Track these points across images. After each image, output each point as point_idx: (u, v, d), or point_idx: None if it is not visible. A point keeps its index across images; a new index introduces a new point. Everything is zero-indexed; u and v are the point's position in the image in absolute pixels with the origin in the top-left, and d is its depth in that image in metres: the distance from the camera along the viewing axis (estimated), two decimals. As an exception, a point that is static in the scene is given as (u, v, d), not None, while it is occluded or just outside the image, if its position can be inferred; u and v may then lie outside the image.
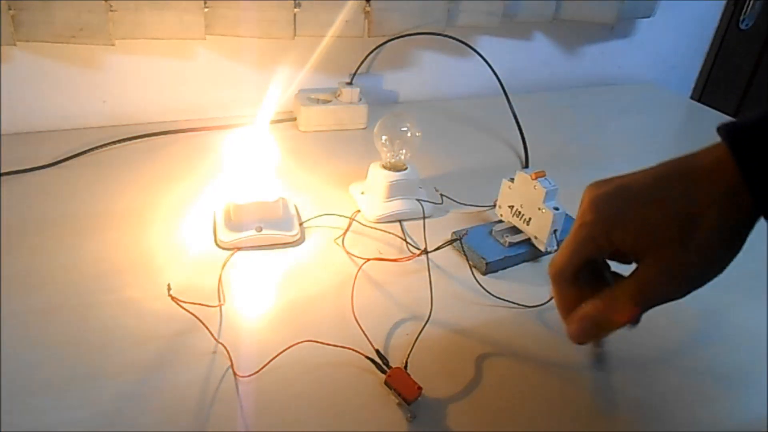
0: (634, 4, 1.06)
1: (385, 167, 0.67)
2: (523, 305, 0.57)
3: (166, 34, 0.76)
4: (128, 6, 0.73)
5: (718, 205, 0.37)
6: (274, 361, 0.47)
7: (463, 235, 0.60)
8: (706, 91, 1.33)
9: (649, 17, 1.11)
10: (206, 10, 0.76)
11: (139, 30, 0.75)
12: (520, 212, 0.63)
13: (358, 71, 0.92)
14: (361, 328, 0.51)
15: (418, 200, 0.68)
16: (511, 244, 0.62)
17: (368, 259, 0.60)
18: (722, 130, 0.38)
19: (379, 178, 0.67)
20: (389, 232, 0.66)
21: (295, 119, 0.89)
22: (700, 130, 1.04)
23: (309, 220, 0.65)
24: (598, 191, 0.41)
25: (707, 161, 0.39)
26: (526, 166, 0.84)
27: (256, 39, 0.83)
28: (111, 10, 0.72)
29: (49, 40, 0.72)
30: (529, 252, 0.62)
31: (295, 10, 0.80)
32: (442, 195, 0.70)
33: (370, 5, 0.84)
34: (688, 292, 0.40)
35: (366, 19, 0.86)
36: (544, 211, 0.59)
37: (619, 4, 1.03)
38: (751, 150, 0.36)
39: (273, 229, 0.61)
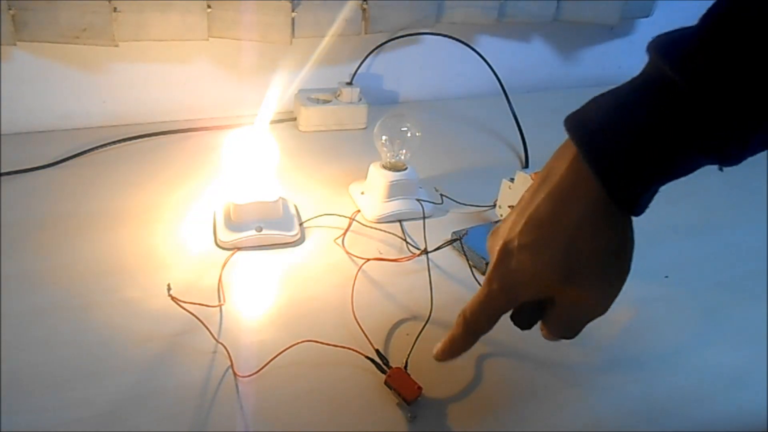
0: (632, 4, 1.07)
1: (385, 167, 0.67)
2: (523, 305, 0.57)
3: (169, 35, 0.76)
4: (132, 8, 0.73)
5: (588, 214, 0.37)
6: (274, 361, 0.47)
7: (463, 235, 0.60)
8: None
9: (647, 17, 1.11)
10: (209, 10, 0.76)
11: (142, 31, 0.75)
12: (520, 212, 0.63)
13: (358, 71, 0.92)
14: (361, 328, 0.51)
15: (418, 200, 0.68)
16: (511, 244, 0.62)
17: (368, 259, 0.60)
18: (572, 132, 0.39)
19: (379, 178, 0.67)
20: (389, 232, 0.66)
21: (295, 119, 0.89)
22: (700, 130, 1.04)
23: (309, 220, 0.65)
24: (496, 257, 0.41)
25: (568, 179, 0.38)
26: (526, 166, 0.84)
27: (256, 38, 0.83)
28: (115, 11, 0.72)
29: (53, 41, 0.72)
30: (529, 252, 0.62)
31: (293, 14, 0.80)
32: (442, 195, 0.70)
33: (366, 3, 0.84)
34: (605, 310, 0.41)
35: (363, 16, 0.86)
36: (544, 211, 0.59)
37: (620, 5, 1.03)
38: (601, 151, 0.36)
39: (273, 229, 0.61)
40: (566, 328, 0.42)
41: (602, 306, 0.41)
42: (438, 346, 0.45)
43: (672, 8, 1.14)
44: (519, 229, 0.40)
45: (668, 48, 0.34)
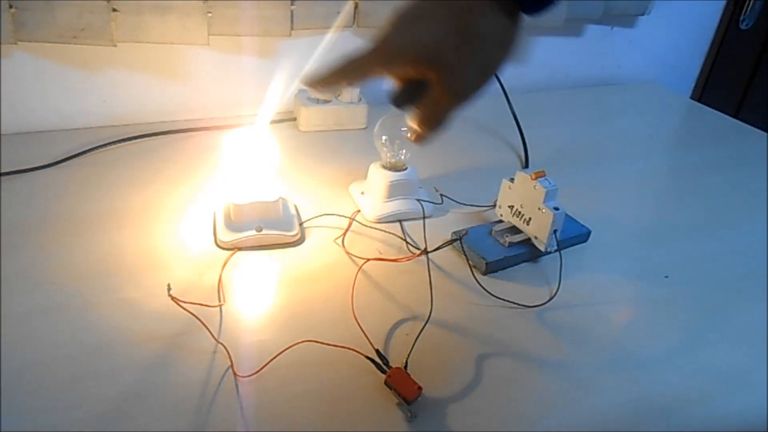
0: (630, 3, 1.07)
1: (385, 167, 0.67)
2: (523, 305, 0.57)
3: (168, 38, 0.76)
4: (130, 9, 0.73)
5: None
6: (274, 361, 0.47)
7: (463, 235, 0.60)
8: (706, 91, 1.33)
9: (643, 14, 1.11)
10: (209, 14, 0.76)
11: (141, 34, 0.75)
12: (520, 212, 0.63)
13: (358, 71, 0.92)
14: (361, 328, 0.51)
15: (418, 200, 0.68)
16: (511, 244, 0.62)
17: (368, 259, 0.60)
18: None
19: (379, 178, 0.67)
20: (389, 232, 0.66)
21: (295, 119, 0.89)
22: (700, 130, 1.04)
23: (309, 220, 0.65)
24: (387, 26, 0.44)
25: None
26: (526, 166, 0.84)
27: (256, 38, 0.83)
28: (113, 10, 0.72)
29: (51, 41, 0.72)
30: (529, 252, 0.62)
31: (292, 7, 0.80)
32: (442, 195, 0.70)
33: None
34: (475, 95, 0.44)
35: (355, 10, 0.86)
36: (544, 211, 0.59)
37: (615, 4, 1.03)
38: None
39: (273, 229, 0.61)
40: (434, 111, 0.45)
41: (470, 91, 0.44)
42: (309, 74, 0.48)
43: (672, 8, 1.14)
44: (413, 2, 0.43)
45: None
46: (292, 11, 0.81)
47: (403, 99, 0.48)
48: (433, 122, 0.47)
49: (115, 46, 0.74)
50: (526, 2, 0.41)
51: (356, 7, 0.86)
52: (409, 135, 0.50)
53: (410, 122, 0.48)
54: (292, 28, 0.82)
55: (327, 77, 0.48)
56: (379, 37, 0.45)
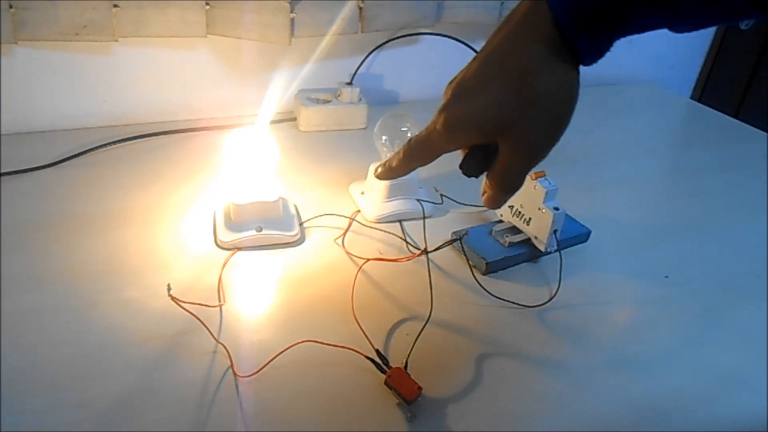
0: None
1: (385, 167, 0.67)
2: (523, 305, 0.57)
3: (168, 32, 0.76)
4: (130, 4, 0.73)
5: (541, 54, 0.39)
6: (274, 361, 0.47)
7: (463, 235, 0.60)
8: (706, 91, 1.33)
9: None
10: (207, 8, 0.77)
11: (142, 28, 0.75)
12: (520, 212, 0.63)
13: (358, 71, 0.92)
14: (361, 328, 0.51)
15: (418, 200, 0.68)
16: (511, 244, 0.62)
17: (368, 259, 0.60)
18: None
19: (379, 178, 0.67)
20: (389, 232, 0.66)
21: (295, 119, 0.89)
22: (700, 130, 1.04)
23: (309, 220, 0.65)
24: (448, 94, 0.44)
25: (524, 20, 0.40)
26: (526, 166, 0.84)
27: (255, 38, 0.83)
28: (115, 6, 0.72)
29: (53, 39, 0.72)
30: (529, 252, 0.62)
31: (292, 15, 0.80)
32: (442, 195, 0.70)
33: (363, 2, 0.85)
34: (546, 153, 0.43)
35: (360, 15, 0.86)
36: (544, 211, 0.60)
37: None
38: None
39: (273, 229, 0.61)
40: (507, 175, 0.44)
41: (540, 152, 0.42)
42: (379, 166, 0.51)
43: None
44: (473, 68, 0.42)
45: None
46: (292, 19, 0.80)
47: (473, 167, 0.46)
48: (508, 184, 0.45)
49: (116, 41, 0.74)
50: (584, 55, 0.39)
51: (361, 11, 0.86)
52: (483, 198, 0.48)
53: (485, 185, 0.47)
54: (292, 36, 0.81)
55: (397, 165, 0.49)
56: (440, 113, 0.44)
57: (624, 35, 0.38)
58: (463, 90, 0.42)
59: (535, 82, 0.39)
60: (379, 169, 0.52)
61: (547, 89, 0.39)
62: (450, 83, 0.44)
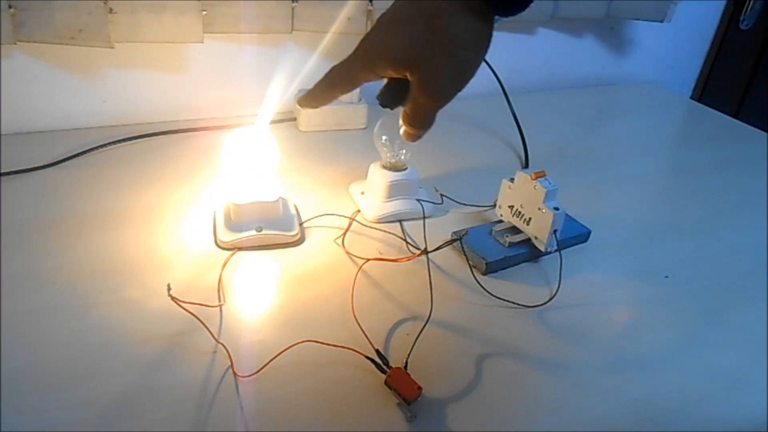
0: (636, 3, 1.07)
1: (385, 167, 0.67)
2: (523, 305, 0.57)
3: (163, 37, 0.76)
4: (126, 9, 0.73)
5: (452, 3, 0.42)
6: (274, 361, 0.47)
7: (463, 235, 0.60)
8: (706, 91, 1.33)
9: (662, 21, 1.10)
10: (204, 13, 0.76)
11: (136, 33, 0.75)
12: (520, 212, 0.63)
13: (358, 71, 0.92)
14: (361, 328, 0.51)
15: (418, 200, 0.68)
16: (511, 244, 0.62)
17: (368, 259, 0.60)
18: None
19: (379, 178, 0.67)
20: (389, 232, 0.66)
21: (295, 119, 0.89)
22: (700, 130, 1.04)
23: (309, 220, 0.65)
24: (369, 30, 0.47)
25: None
26: (526, 166, 0.84)
27: (256, 38, 0.83)
28: (111, 12, 0.72)
29: (50, 41, 0.72)
30: (529, 252, 0.62)
31: (294, 5, 0.80)
32: (442, 195, 0.70)
33: (372, 4, 0.84)
34: (452, 95, 0.46)
35: (368, 18, 0.86)
36: (544, 211, 0.60)
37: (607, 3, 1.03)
38: None
39: (273, 229, 0.61)
40: (415, 111, 0.48)
41: (446, 94, 0.45)
42: (301, 95, 0.52)
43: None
44: (397, 4, 0.45)
45: None
46: (293, 8, 0.81)
47: (387, 98, 0.50)
48: (416, 120, 0.49)
49: (112, 47, 0.74)
50: (496, 3, 0.43)
51: (369, 13, 0.85)
52: (401, 132, 0.51)
53: (401, 119, 0.50)
54: (293, 27, 0.81)
55: (318, 92, 0.51)
56: (361, 42, 0.47)
57: None
58: (382, 22, 0.46)
59: (444, 24, 0.42)
60: (302, 97, 0.53)
61: (455, 32, 0.42)
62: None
